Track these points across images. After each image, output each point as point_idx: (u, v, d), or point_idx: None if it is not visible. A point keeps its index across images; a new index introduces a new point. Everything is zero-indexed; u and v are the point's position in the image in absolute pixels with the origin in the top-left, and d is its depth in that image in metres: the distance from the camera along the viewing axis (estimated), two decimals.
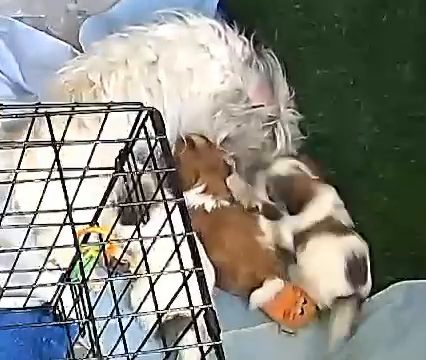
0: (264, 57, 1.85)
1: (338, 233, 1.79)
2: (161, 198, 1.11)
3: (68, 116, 1.11)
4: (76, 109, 1.12)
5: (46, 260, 1.42)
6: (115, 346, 1.28)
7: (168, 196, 1.11)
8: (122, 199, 1.58)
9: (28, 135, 1.16)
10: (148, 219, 1.20)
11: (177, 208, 1.08)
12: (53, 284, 1.49)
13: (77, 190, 1.23)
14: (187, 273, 1.04)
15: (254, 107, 1.84)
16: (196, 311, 1.02)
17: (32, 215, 1.28)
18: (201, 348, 1.01)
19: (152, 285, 1.11)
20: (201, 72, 1.82)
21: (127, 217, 1.29)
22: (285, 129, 1.87)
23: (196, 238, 1.07)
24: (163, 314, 1.10)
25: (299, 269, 1.82)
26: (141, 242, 1.16)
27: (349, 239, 1.79)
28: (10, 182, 1.20)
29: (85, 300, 1.13)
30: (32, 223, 1.29)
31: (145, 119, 1.14)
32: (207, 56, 1.82)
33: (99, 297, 1.33)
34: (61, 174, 1.11)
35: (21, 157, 1.17)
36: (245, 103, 1.84)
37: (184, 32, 1.83)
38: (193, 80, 1.81)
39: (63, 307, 1.59)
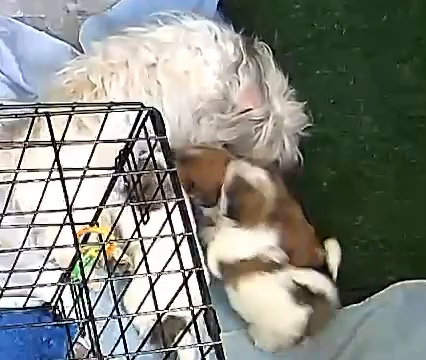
0: (254, 54, 1.83)
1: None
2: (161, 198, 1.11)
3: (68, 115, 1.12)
4: (76, 109, 1.12)
5: (46, 260, 1.42)
6: (115, 346, 1.29)
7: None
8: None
9: (28, 135, 1.16)
10: (148, 219, 1.20)
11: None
12: (53, 284, 1.49)
13: (77, 190, 1.23)
14: (187, 273, 1.04)
15: (241, 113, 1.83)
16: (196, 311, 1.02)
17: (32, 215, 1.28)
18: (201, 348, 1.01)
19: (152, 285, 1.11)
20: (197, 76, 1.81)
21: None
22: (286, 124, 1.86)
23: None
24: (163, 314, 1.10)
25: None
26: (141, 242, 1.16)
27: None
28: (10, 182, 1.20)
29: (85, 300, 1.13)
30: (32, 223, 1.29)
31: (145, 119, 1.14)
32: (201, 60, 1.81)
33: (99, 297, 1.33)
34: (61, 174, 1.10)
35: (21, 157, 1.17)
36: (231, 111, 1.82)
37: (181, 34, 1.82)
38: (190, 83, 1.81)
39: (63, 307, 1.59)
